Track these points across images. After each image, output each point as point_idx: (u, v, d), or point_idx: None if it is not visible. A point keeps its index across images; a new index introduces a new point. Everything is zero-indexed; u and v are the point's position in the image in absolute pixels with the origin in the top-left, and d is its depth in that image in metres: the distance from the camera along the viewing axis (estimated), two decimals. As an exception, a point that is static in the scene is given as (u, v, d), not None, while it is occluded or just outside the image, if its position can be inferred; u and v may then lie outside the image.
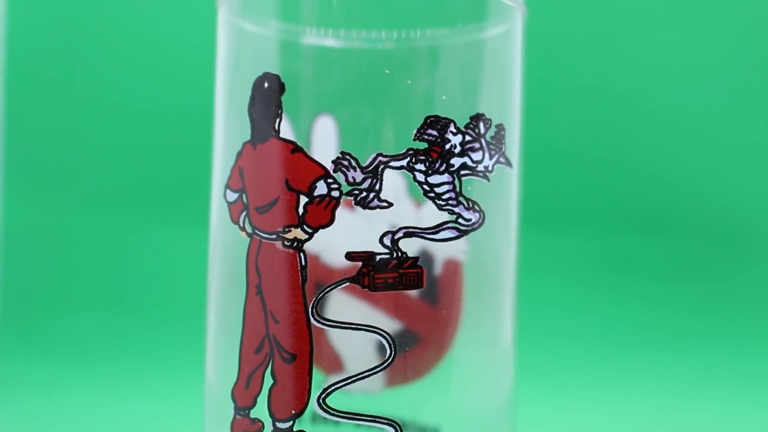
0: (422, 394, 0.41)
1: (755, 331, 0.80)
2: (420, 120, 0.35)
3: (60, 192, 0.84)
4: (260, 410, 0.37)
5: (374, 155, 0.35)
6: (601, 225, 0.87)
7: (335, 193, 0.35)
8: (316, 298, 0.35)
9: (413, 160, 0.35)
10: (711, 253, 0.86)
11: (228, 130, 0.38)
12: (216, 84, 0.40)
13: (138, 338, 0.74)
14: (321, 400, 0.36)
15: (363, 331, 0.36)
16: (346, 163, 0.35)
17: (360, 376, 0.36)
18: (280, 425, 0.36)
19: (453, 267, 0.43)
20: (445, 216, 0.36)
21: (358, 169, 0.35)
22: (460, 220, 0.36)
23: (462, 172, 0.35)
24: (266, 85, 0.36)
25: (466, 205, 0.36)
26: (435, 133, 0.35)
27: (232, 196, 0.37)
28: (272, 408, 0.36)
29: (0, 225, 0.75)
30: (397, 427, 0.36)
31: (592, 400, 0.64)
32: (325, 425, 0.40)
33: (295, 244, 0.35)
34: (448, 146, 0.35)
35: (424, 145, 0.35)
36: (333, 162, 0.35)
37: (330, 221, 0.35)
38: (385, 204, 0.35)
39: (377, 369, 0.36)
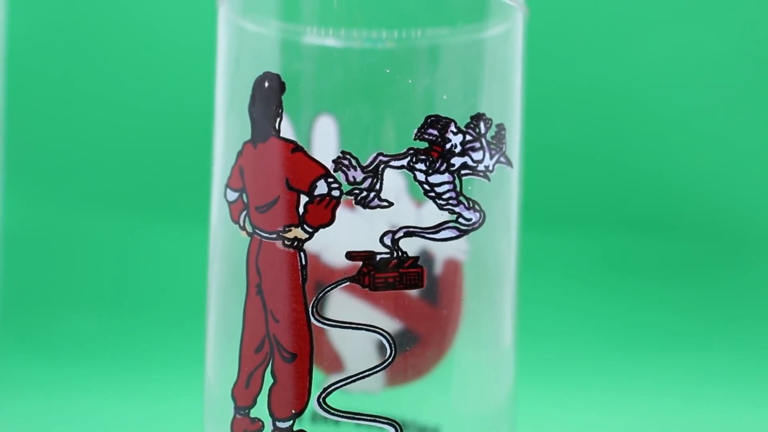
0: (422, 393, 0.41)
1: (755, 331, 0.80)
2: (420, 119, 0.35)
3: (60, 191, 0.84)
4: (260, 410, 0.37)
5: (375, 155, 0.35)
6: (602, 225, 0.87)
7: (335, 193, 0.35)
8: (317, 297, 0.35)
9: (414, 160, 0.35)
10: (711, 253, 0.86)
11: (228, 130, 0.38)
12: (216, 83, 0.40)
13: (138, 338, 0.74)
14: (321, 400, 0.36)
15: (363, 331, 0.36)
16: (346, 162, 0.35)
17: (360, 375, 0.36)
18: (280, 425, 0.36)
19: (453, 267, 0.43)
20: (445, 216, 0.36)
21: (358, 169, 0.35)
22: (461, 220, 0.36)
23: (462, 172, 0.35)
24: (267, 84, 0.36)
25: (467, 205, 0.36)
26: (435, 132, 0.35)
27: (233, 196, 0.37)
28: (272, 407, 0.36)
29: (0, 224, 0.75)
30: (397, 426, 0.36)
31: (592, 400, 0.64)
32: (325, 425, 0.40)
33: (296, 243, 0.35)
34: (448, 146, 0.35)
35: (424, 145, 0.35)
36: (333, 161, 0.35)
37: (330, 221, 0.35)
38: (385, 203, 0.35)
39: (377, 368, 0.36)
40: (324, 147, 0.41)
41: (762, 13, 0.88)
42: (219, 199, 0.38)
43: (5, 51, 0.73)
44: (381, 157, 0.35)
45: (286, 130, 0.37)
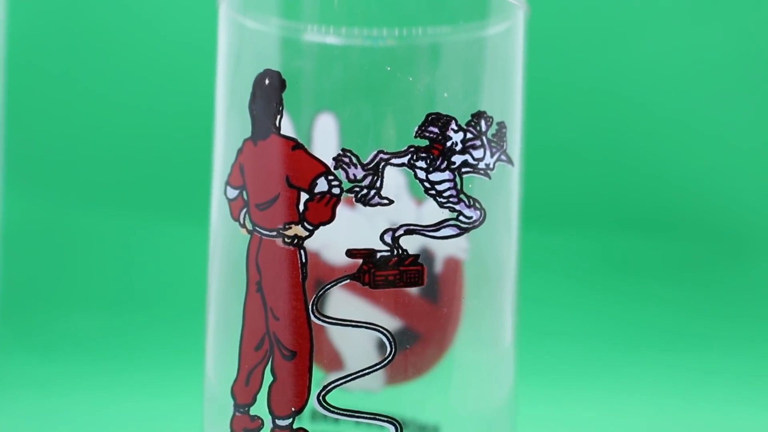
0: (422, 392, 0.41)
1: (756, 331, 0.80)
2: (421, 117, 0.35)
3: (60, 189, 0.84)
4: (260, 407, 0.36)
5: (375, 152, 0.35)
6: (602, 224, 0.86)
7: (336, 190, 0.35)
8: (317, 295, 0.35)
9: (414, 158, 0.35)
10: (712, 253, 0.86)
11: (229, 127, 0.38)
12: (217, 81, 0.39)
13: (138, 336, 0.74)
14: (321, 398, 0.36)
15: (363, 329, 0.36)
16: (346, 160, 0.35)
17: (360, 373, 0.36)
18: (279, 422, 0.36)
19: (453, 265, 0.43)
20: (445, 213, 0.36)
21: (359, 166, 0.35)
22: (461, 218, 0.36)
23: (463, 170, 0.35)
24: (267, 81, 0.36)
25: (467, 203, 0.36)
26: (436, 130, 0.35)
27: (233, 193, 0.37)
28: (272, 405, 0.36)
29: (0, 222, 0.75)
30: (397, 425, 0.36)
31: (592, 399, 0.64)
32: (325, 423, 0.39)
33: (296, 241, 0.35)
34: (449, 143, 0.35)
35: (425, 143, 0.35)
36: (334, 159, 0.35)
37: (330, 218, 0.35)
38: (385, 201, 0.35)
39: (377, 366, 0.36)
40: (324, 144, 0.41)
41: (763, 13, 0.88)
42: (219, 196, 0.38)
43: (5, 49, 0.73)
44: (381, 155, 0.35)
45: (287, 127, 0.37)
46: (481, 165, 0.36)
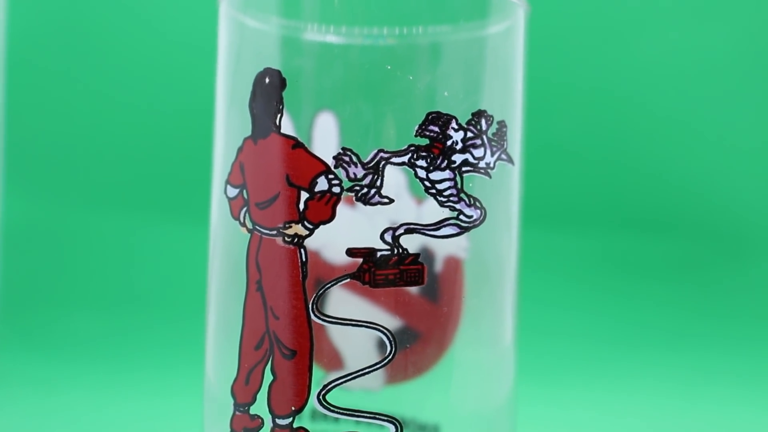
0: (422, 391, 0.41)
1: (756, 331, 0.80)
2: (421, 116, 0.35)
3: (60, 188, 0.84)
4: (260, 407, 0.36)
5: (375, 151, 0.35)
6: (602, 224, 0.86)
7: (336, 189, 0.35)
8: (317, 294, 0.35)
9: (414, 156, 0.35)
10: (712, 252, 0.86)
11: (229, 126, 0.38)
12: (217, 79, 0.39)
13: (138, 336, 0.74)
14: (321, 397, 0.36)
15: (363, 328, 0.36)
16: (347, 159, 0.35)
17: (360, 372, 0.36)
18: (279, 422, 0.36)
19: (454, 264, 0.43)
20: (446, 213, 0.36)
21: (359, 165, 0.35)
22: (462, 217, 0.36)
23: (463, 169, 0.35)
24: (267, 80, 0.36)
25: (468, 202, 0.36)
26: (437, 129, 0.35)
27: (233, 192, 0.37)
28: (272, 404, 0.36)
29: (0, 221, 0.75)
30: (397, 424, 0.36)
31: (592, 399, 0.64)
32: (325, 422, 0.39)
33: (296, 240, 0.35)
34: (449, 142, 0.35)
35: (425, 142, 0.35)
36: (334, 158, 0.35)
37: (331, 217, 0.35)
38: (386, 200, 0.35)
39: (377, 366, 0.36)
40: (324, 143, 0.41)
41: (762, 13, 0.88)
42: (219, 195, 0.38)
43: (6, 47, 0.73)
44: (382, 154, 0.35)
45: (287, 126, 0.37)
46: (482, 164, 0.36)
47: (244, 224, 0.37)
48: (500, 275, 0.40)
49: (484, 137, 0.36)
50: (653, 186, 0.87)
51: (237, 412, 0.37)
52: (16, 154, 0.80)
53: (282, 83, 0.36)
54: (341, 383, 0.36)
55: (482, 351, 0.40)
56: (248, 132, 0.36)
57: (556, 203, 0.85)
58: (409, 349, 0.38)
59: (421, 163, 0.35)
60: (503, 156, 0.37)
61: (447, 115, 0.35)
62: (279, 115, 0.36)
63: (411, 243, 0.35)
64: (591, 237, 0.86)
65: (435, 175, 0.35)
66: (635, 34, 0.87)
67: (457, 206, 0.36)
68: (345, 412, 0.36)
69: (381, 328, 0.36)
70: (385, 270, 0.35)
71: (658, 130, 0.87)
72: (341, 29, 0.40)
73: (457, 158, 0.35)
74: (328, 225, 0.35)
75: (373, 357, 0.37)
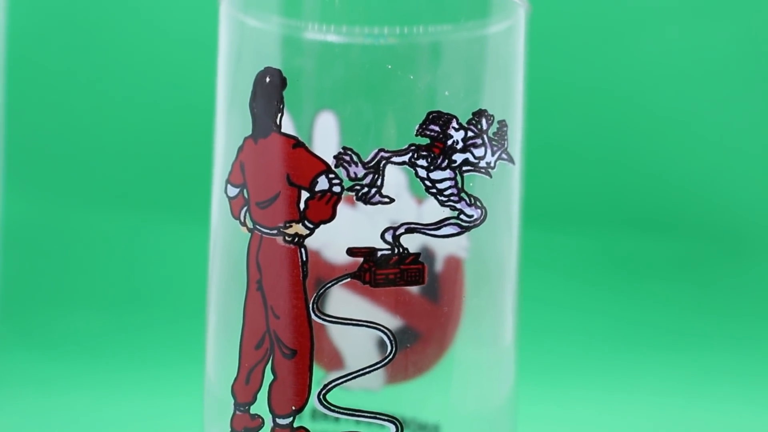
0: (423, 391, 0.41)
1: (757, 330, 0.80)
2: (422, 116, 0.35)
3: (59, 187, 0.84)
4: (260, 406, 0.36)
5: (376, 151, 0.35)
6: (603, 223, 0.86)
7: (336, 189, 0.35)
8: (317, 293, 0.35)
9: (415, 156, 0.35)
10: (713, 251, 0.86)
11: (229, 125, 0.38)
12: (217, 79, 0.39)
13: (138, 335, 0.74)
14: (321, 397, 0.36)
15: (364, 328, 0.36)
16: (347, 158, 0.35)
17: (360, 372, 0.36)
18: (280, 421, 0.36)
19: (454, 264, 0.43)
20: (446, 212, 0.36)
21: (359, 165, 0.35)
22: (462, 217, 0.36)
23: (464, 168, 0.35)
24: (268, 79, 0.36)
25: (468, 202, 0.36)
26: (437, 128, 0.35)
27: (233, 191, 0.37)
28: (272, 404, 0.36)
29: (0, 220, 0.75)
30: (397, 424, 0.36)
31: (592, 398, 0.64)
32: (325, 422, 0.39)
33: (296, 239, 0.35)
34: (450, 142, 0.35)
35: (426, 141, 0.35)
36: (334, 157, 0.35)
37: (331, 217, 0.35)
38: (386, 200, 0.35)
39: (378, 365, 0.36)
40: (325, 143, 0.40)
41: (763, 14, 0.88)
42: (219, 195, 0.38)
43: (6, 45, 0.73)
44: (382, 153, 0.35)
45: (287, 125, 0.37)
46: (482, 163, 0.36)
47: (244, 224, 0.37)
48: (501, 275, 0.40)
49: (485, 137, 0.36)
50: (654, 185, 0.87)
51: (237, 412, 0.37)
52: (17, 152, 0.80)
53: (282, 82, 0.36)
54: (342, 383, 0.36)
55: (483, 350, 0.40)
56: (249, 131, 0.36)
57: (556, 203, 0.85)
58: (410, 349, 0.38)
59: (422, 162, 0.35)
60: (504, 155, 0.37)
61: (448, 114, 0.35)
62: (279, 115, 0.36)
63: (411, 242, 0.35)
64: (591, 236, 0.86)
65: (435, 175, 0.35)
66: (636, 33, 0.87)
67: (458, 206, 0.36)
68: (345, 411, 0.36)
69: (381, 328, 0.36)
70: (385, 269, 0.35)
71: (659, 130, 0.87)
72: (342, 28, 0.40)
73: (458, 158, 0.35)
74: (328, 224, 0.35)
75: (374, 357, 0.37)
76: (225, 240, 0.38)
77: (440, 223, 0.36)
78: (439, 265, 0.43)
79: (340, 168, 0.35)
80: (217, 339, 0.39)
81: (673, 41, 0.87)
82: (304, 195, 0.35)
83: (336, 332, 0.43)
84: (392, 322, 0.37)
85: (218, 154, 0.39)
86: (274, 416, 0.36)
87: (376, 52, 0.41)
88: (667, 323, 0.80)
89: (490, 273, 0.40)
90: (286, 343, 0.36)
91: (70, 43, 0.84)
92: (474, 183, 0.36)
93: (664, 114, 0.87)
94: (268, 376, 0.36)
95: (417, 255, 0.35)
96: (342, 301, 0.41)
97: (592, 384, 0.67)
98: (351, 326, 0.36)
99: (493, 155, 0.36)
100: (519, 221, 0.40)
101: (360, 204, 0.35)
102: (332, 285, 0.35)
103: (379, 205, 0.35)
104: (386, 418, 0.36)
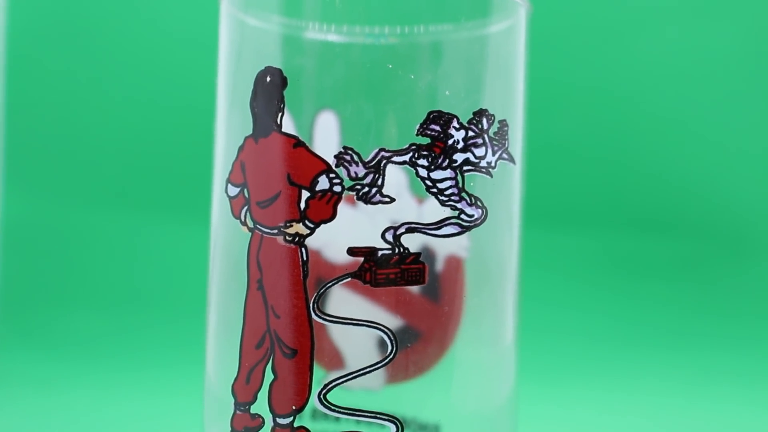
0: (423, 391, 0.41)
1: (757, 330, 0.80)
2: (423, 115, 0.35)
3: (60, 187, 0.84)
4: (261, 406, 0.36)
5: (376, 150, 0.35)
6: (604, 223, 0.86)
7: (337, 188, 0.35)
8: (318, 293, 0.35)
9: (416, 155, 0.35)
10: (714, 251, 0.86)
11: (230, 125, 0.38)
12: (218, 78, 0.39)
13: (138, 334, 0.74)
14: (322, 396, 0.35)
15: (364, 327, 0.36)
16: (348, 158, 0.35)
17: (361, 372, 0.36)
18: (280, 421, 0.36)
19: (455, 263, 0.43)
20: (447, 212, 0.36)
21: (360, 164, 0.35)
22: (463, 216, 0.36)
23: (465, 168, 0.35)
24: (268, 79, 0.36)
25: (469, 201, 0.36)
26: (438, 128, 0.35)
27: (234, 191, 0.37)
28: (273, 403, 0.36)
29: (0, 220, 0.75)
30: (397, 423, 0.36)
31: (593, 398, 0.64)
32: (326, 421, 0.39)
33: (297, 239, 0.35)
34: (450, 142, 0.35)
35: (426, 141, 0.35)
36: (335, 157, 0.35)
37: (332, 216, 0.35)
38: (387, 199, 0.35)
39: (378, 365, 0.36)
40: (325, 142, 0.40)
41: (764, 14, 0.88)
42: (220, 194, 0.38)
43: (6, 43, 0.73)
44: (383, 153, 0.35)
45: (288, 125, 0.37)
46: (483, 163, 0.36)
47: (245, 223, 0.36)
48: (501, 274, 0.40)
49: (486, 136, 0.36)
50: (654, 185, 0.87)
51: (238, 411, 0.37)
52: (17, 152, 0.80)
53: (283, 82, 0.36)
54: (342, 382, 0.36)
55: (483, 350, 0.40)
56: (249, 131, 0.36)
57: (557, 202, 0.85)
58: (410, 349, 0.38)
59: (423, 162, 0.35)
60: (504, 155, 0.37)
61: (448, 114, 0.35)
62: (280, 114, 0.35)
63: (412, 242, 0.35)
64: (592, 236, 0.86)
65: (436, 174, 0.35)
66: (637, 33, 0.87)
67: (458, 205, 0.36)
68: (346, 411, 0.36)
69: (382, 328, 0.36)
70: (386, 269, 0.35)
71: (659, 130, 0.87)
72: (342, 28, 0.40)
73: (459, 157, 0.35)
74: (329, 224, 0.35)
75: (374, 356, 0.37)
76: (225, 239, 0.38)
77: (441, 223, 0.36)
78: (439, 265, 0.43)
79: (341, 167, 0.35)
80: (217, 338, 0.39)
81: (673, 41, 0.87)
82: (305, 194, 0.35)
83: (336, 332, 0.43)
84: (393, 321, 0.37)
85: (219, 153, 0.39)
86: (275, 416, 0.36)
87: (376, 52, 0.41)
88: (667, 323, 0.80)
89: (490, 273, 0.40)
90: (287, 343, 0.36)
91: (70, 43, 0.84)
92: (475, 183, 0.36)
93: (664, 114, 0.87)
94: (269, 376, 0.36)
95: (417, 255, 0.35)
96: (342, 300, 0.41)
97: (592, 384, 0.67)
98: (351, 326, 0.36)
99: (493, 155, 0.36)
100: (520, 221, 0.40)
101: (360, 204, 0.35)
102: (333, 284, 0.35)
103: (380, 205, 0.35)
104: (387, 417, 0.36)
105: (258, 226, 0.36)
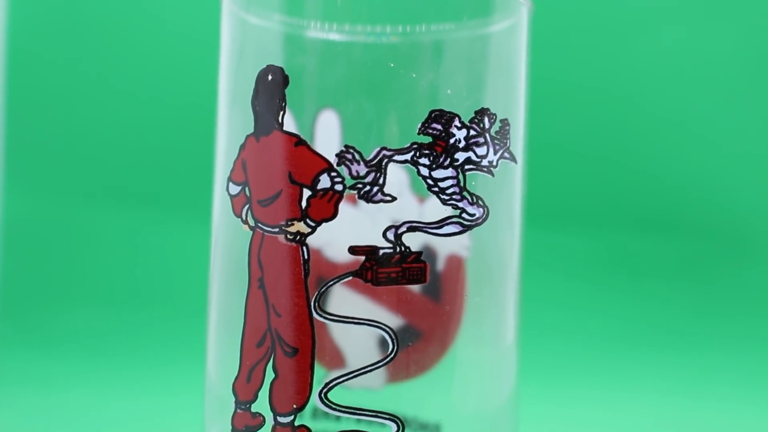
0: (424, 390, 0.41)
1: (757, 329, 0.80)
2: (424, 114, 0.35)
3: (61, 185, 0.84)
4: (261, 404, 0.36)
5: (378, 149, 0.35)
6: (605, 223, 0.86)
7: (338, 187, 0.35)
8: (319, 292, 0.35)
9: (417, 154, 0.35)
10: (714, 251, 0.86)
11: (231, 123, 0.38)
12: (220, 77, 0.39)
13: (139, 333, 0.74)
14: (322, 395, 0.35)
15: (365, 326, 0.36)
16: (349, 156, 0.35)
17: (362, 371, 0.36)
18: (281, 419, 0.36)
19: (456, 263, 0.43)
20: (448, 211, 0.36)
21: (361, 163, 0.35)
22: (464, 215, 0.36)
23: (466, 167, 0.35)
24: (270, 77, 0.35)
25: (470, 200, 0.36)
26: (439, 127, 0.35)
27: (235, 189, 0.37)
28: (273, 402, 0.36)
29: (1, 218, 0.75)
30: (398, 422, 0.36)
31: (594, 398, 0.64)
32: (326, 420, 0.39)
33: (298, 237, 0.35)
34: (452, 140, 0.35)
35: (428, 140, 0.35)
36: (337, 155, 0.35)
37: (333, 215, 0.35)
38: (388, 198, 0.35)
39: (379, 364, 0.36)
40: (327, 141, 0.40)
41: (764, 14, 0.88)
42: (221, 192, 0.38)
43: (7, 41, 0.73)
44: (384, 152, 0.35)
45: (289, 123, 0.37)
46: (484, 162, 0.36)
47: (246, 221, 0.36)
48: (502, 274, 0.40)
49: (487, 135, 0.36)
50: (655, 185, 0.87)
51: (238, 410, 0.37)
52: (17, 151, 0.80)
53: (285, 80, 0.36)
54: (343, 381, 0.36)
55: (484, 350, 0.40)
56: (251, 129, 0.36)
57: (558, 202, 0.85)
58: (411, 348, 0.38)
59: (424, 161, 0.35)
60: (506, 154, 0.37)
61: (450, 113, 0.35)
62: (282, 113, 0.35)
63: (413, 241, 0.35)
64: (593, 236, 0.86)
65: (437, 173, 0.35)
66: (639, 33, 0.87)
67: (460, 204, 0.36)
68: (346, 410, 0.36)
69: (383, 327, 0.36)
70: (387, 268, 0.35)
71: (661, 130, 0.87)
72: (344, 27, 0.40)
73: (460, 156, 0.35)
74: (330, 223, 0.35)
75: (375, 355, 0.37)
76: (226, 238, 0.38)
77: (442, 222, 0.36)
78: (440, 264, 0.43)
79: (342, 166, 0.35)
80: (218, 337, 0.39)
81: (675, 41, 0.87)
82: (306, 193, 0.35)
83: (337, 331, 0.43)
84: (394, 320, 0.37)
85: (220, 151, 0.39)
86: (275, 414, 0.36)
87: (378, 51, 0.41)
88: (668, 323, 0.80)
89: (491, 272, 0.40)
90: (288, 342, 0.36)
91: (72, 41, 0.84)
92: (476, 182, 0.36)
93: (665, 114, 0.87)
94: (270, 375, 0.36)
95: (419, 254, 0.35)
96: (343, 299, 0.41)
97: (592, 384, 0.67)
98: (352, 325, 0.36)
99: (495, 154, 0.36)
100: (521, 220, 0.40)
101: (362, 202, 0.35)
102: (334, 283, 0.35)
103: (381, 204, 0.35)
104: (387, 416, 0.36)
105: (259, 225, 0.36)
